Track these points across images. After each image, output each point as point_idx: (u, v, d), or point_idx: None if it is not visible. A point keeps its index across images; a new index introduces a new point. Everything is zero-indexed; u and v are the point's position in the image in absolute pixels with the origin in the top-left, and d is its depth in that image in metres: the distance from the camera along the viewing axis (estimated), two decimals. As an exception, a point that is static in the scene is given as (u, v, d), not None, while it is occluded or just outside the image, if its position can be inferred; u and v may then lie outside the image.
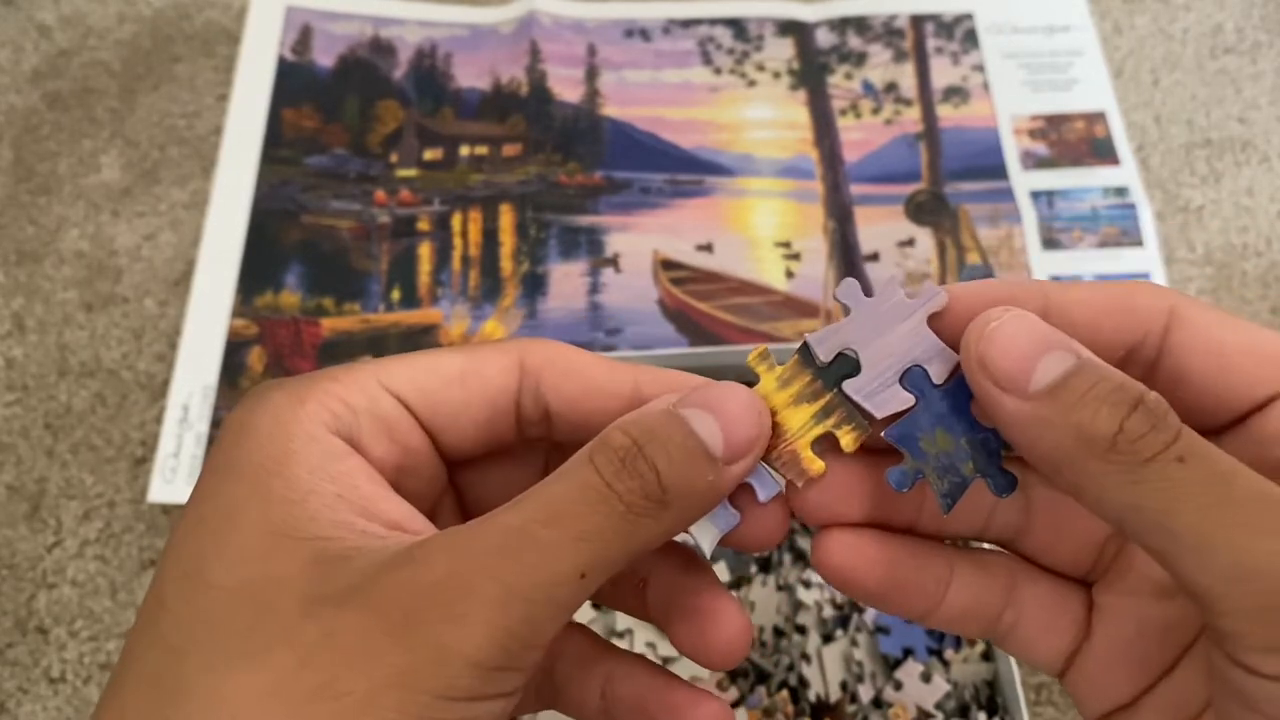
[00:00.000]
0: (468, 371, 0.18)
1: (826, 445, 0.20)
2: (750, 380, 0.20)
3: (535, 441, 0.19)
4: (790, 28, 0.60)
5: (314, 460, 0.16)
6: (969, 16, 0.60)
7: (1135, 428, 0.14)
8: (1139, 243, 0.53)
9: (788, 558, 0.40)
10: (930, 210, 0.54)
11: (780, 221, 0.54)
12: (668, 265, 0.53)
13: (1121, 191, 0.54)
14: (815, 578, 0.39)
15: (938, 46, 0.59)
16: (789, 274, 0.52)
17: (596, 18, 0.60)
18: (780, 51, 0.59)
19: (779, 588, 0.39)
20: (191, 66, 0.58)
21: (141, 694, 0.16)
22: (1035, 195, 0.54)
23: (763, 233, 0.54)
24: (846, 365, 0.20)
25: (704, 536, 0.19)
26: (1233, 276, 0.52)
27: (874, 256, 0.53)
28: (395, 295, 0.52)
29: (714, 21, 0.60)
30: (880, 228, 0.54)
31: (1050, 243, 0.53)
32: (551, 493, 0.16)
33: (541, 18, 0.60)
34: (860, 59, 0.59)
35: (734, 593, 0.39)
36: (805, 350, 0.20)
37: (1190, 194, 0.55)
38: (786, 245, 0.53)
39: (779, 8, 0.60)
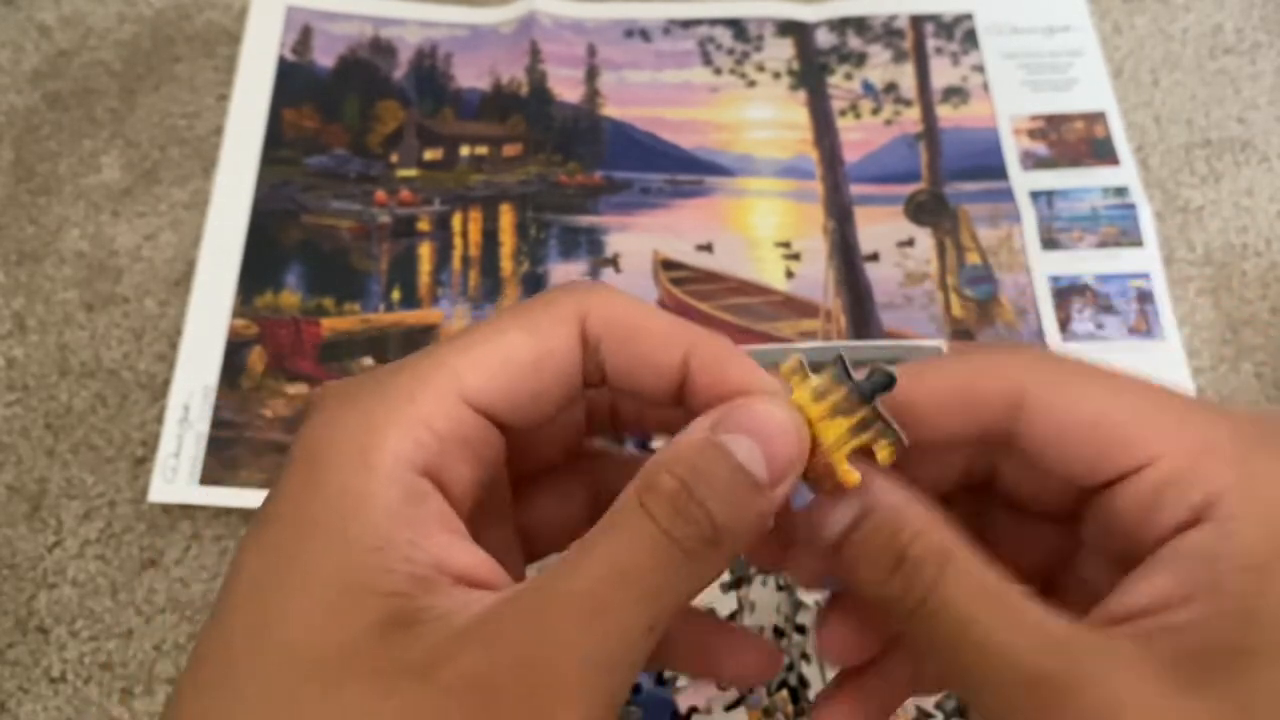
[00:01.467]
0: (540, 356, 0.17)
1: (860, 459, 0.19)
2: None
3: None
4: (790, 28, 0.60)
5: (394, 505, 0.15)
6: (969, 17, 0.60)
7: (892, 590, 0.16)
8: (1139, 243, 0.53)
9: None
10: (930, 210, 0.55)
11: (780, 221, 0.54)
12: (668, 265, 0.53)
13: (1121, 191, 0.54)
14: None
15: (937, 47, 0.59)
16: (789, 274, 0.52)
17: (596, 18, 0.60)
18: (780, 52, 0.59)
19: (779, 587, 0.39)
20: (192, 67, 0.59)
21: None
22: (1035, 195, 0.54)
23: (762, 233, 0.54)
24: (882, 379, 0.19)
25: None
26: (1232, 276, 0.53)
27: (874, 256, 0.53)
28: (395, 295, 0.52)
29: (714, 22, 0.60)
30: (880, 228, 0.54)
31: (1050, 243, 0.53)
32: (614, 550, 0.15)
33: (541, 18, 0.60)
34: (860, 59, 0.59)
35: (734, 592, 0.39)
36: (841, 363, 0.20)
37: (1190, 194, 0.55)
38: (786, 245, 0.53)
39: (779, 8, 0.61)
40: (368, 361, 0.50)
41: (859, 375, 0.19)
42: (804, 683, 0.37)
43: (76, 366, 0.50)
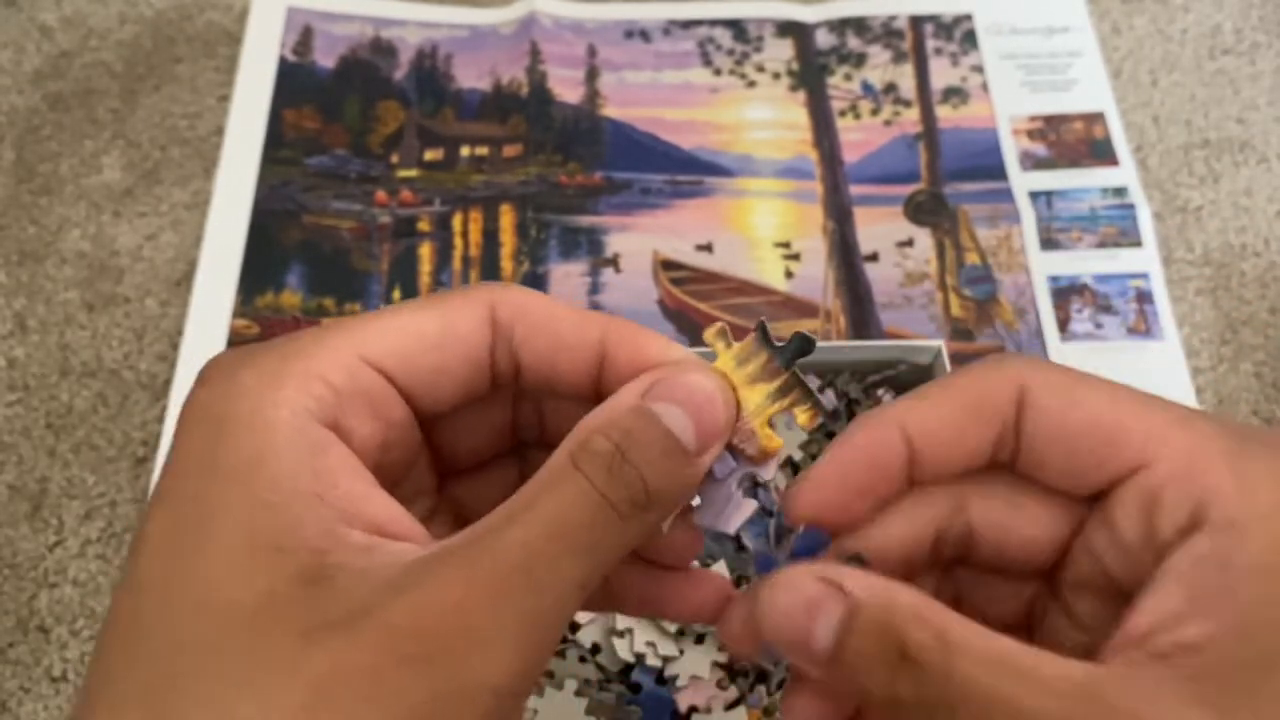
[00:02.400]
0: (444, 332, 0.17)
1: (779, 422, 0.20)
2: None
3: (502, 389, 0.19)
4: (789, 29, 0.60)
5: (297, 456, 0.15)
6: (968, 17, 0.60)
7: (904, 691, 0.15)
8: (1138, 243, 0.53)
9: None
10: (929, 211, 0.55)
11: (780, 222, 0.54)
12: (668, 265, 0.53)
13: (1120, 192, 0.55)
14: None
15: (937, 47, 0.59)
16: (788, 274, 0.53)
17: (597, 19, 0.60)
18: (780, 52, 0.59)
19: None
20: (193, 67, 0.59)
21: (116, 714, 0.14)
22: (1034, 195, 0.55)
23: (762, 233, 0.54)
24: (800, 344, 0.20)
25: (726, 523, 0.20)
26: (1231, 276, 0.53)
27: (873, 257, 0.53)
28: (396, 295, 0.52)
29: (714, 22, 0.60)
30: (879, 228, 0.54)
31: (1049, 243, 0.53)
32: (549, 507, 0.15)
33: (542, 19, 0.60)
34: (859, 60, 0.59)
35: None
36: (762, 330, 0.21)
37: (1189, 194, 0.55)
38: (786, 245, 0.54)
39: (778, 9, 0.61)
40: (368, 361, 0.50)
41: (780, 343, 0.20)
42: (804, 682, 0.38)
43: (78, 366, 0.50)
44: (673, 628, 0.38)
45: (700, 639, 0.38)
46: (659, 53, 0.60)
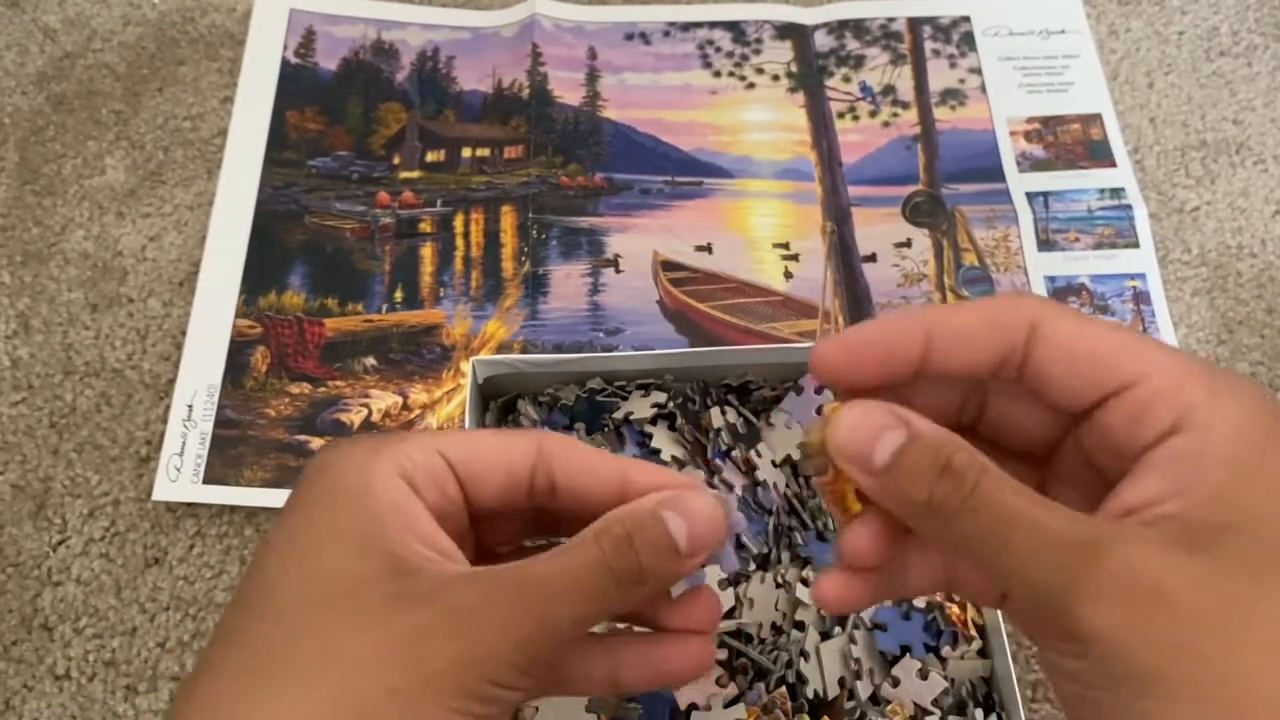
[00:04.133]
0: (497, 447, 0.24)
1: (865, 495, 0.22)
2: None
3: (537, 508, 0.25)
4: (788, 31, 0.61)
5: (389, 496, 0.22)
6: (966, 19, 0.61)
7: (940, 493, 0.19)
8: (1135, 244, 0.53)
9: (786, 556, 0.40)
10: (927, 212, 0.55)
11: (779, 223, 0.55)
12: (668, 266, 0.53)
13: (1117, 193, 0.55)
14: (814, 575, 0.39)
15: (935, 49, 0.60)
16: (787, 275, 0.53)
17: (597, 21, 0.61)
18: (779, 54, 0.60)
19: (777, 585, 0.39)
20: (195, 69, 0.59)
21: (252, 650, 0.20)
22: (1031, 196, 0.55)
23: (761, 234, 0.54)
24: None
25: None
26: (1228, 277, 0.53)
27: (871, 257, 0.53)
28: (398, 296, 0.52)
29: (713, 25, 0.61)
30: (878, 229, 0.54)
31: (1046, 244, 0.54)
32: (570, 559, 0.22)
33: (542, 21, 0.60)
34: (858, 62, 0.59)
35: (732, 589, 0.39)
36: None
37: (1185, 195, 0.55)
38: (785, 246, 0.54)
39: (777, 11, 0.61)
40: (370, 361, 0.50)
41: None
42: (802, 679, 0.38)
43: (81, 366, 0.50)
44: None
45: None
46: (659, 55, 0.60)
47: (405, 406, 0.49)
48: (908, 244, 0.54)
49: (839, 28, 0.60)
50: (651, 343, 0.50)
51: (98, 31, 0.60)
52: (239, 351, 0.50)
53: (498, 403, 0.43)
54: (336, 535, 0.21)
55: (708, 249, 0.54)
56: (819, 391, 0.42)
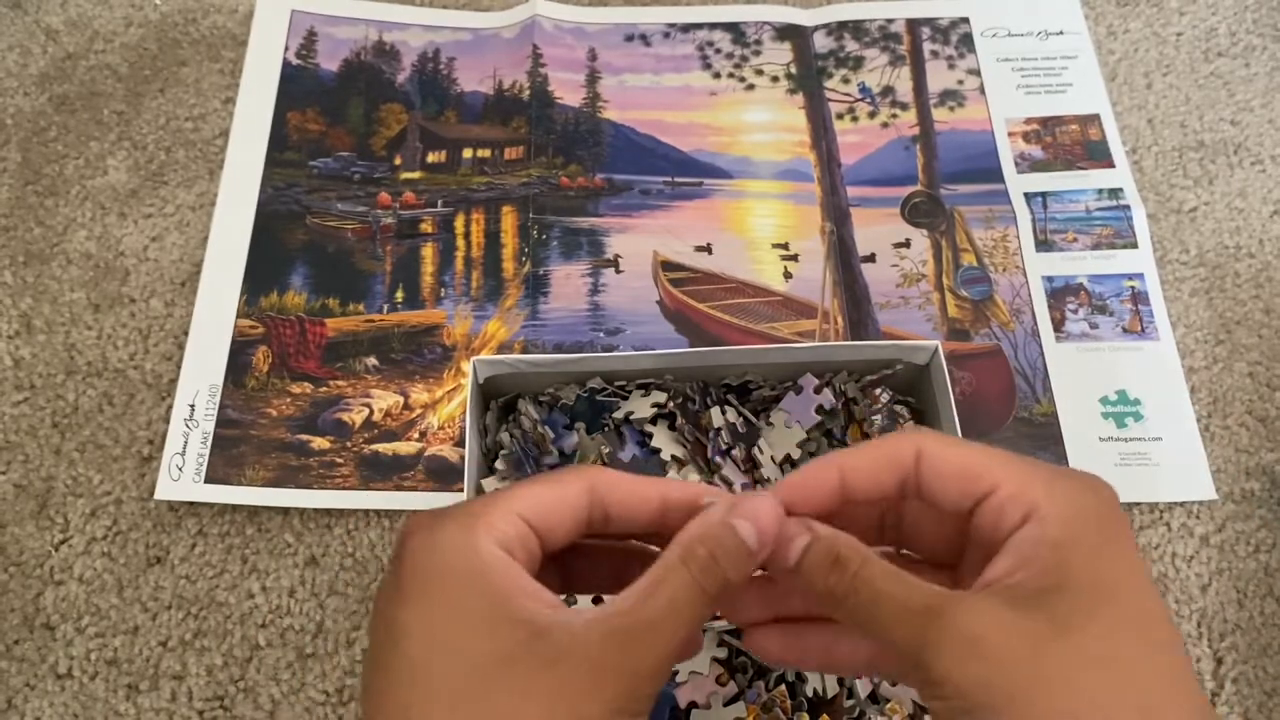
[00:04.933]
0: (561, 497, 0.27)
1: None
2: None
3: (590, 534, 0.29)
4: (788, 32, 0.61)
5: (499, 569, 0.25)
6: (965, 21, 0.61)
7: (831, 581, 0.25)
8: (1133, 244, 0.54)
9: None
10: (926, 212, 0.55)
11: (778, 223, 0.55)
12: (668, 266, 0.53)
13: (1115, 193, 0.55)
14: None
15: (934, 50, 0.60)
16: (787, 275, 0.53)
17: (597, 22, 0.61)
18: (778, 56, 0.60)
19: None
20: (197, 70, 0.59)
21: None
22: (1030, 197, 0.55)
23: (761, 234, 0.55)
24: None
25: None
26: (1225, 277, 0.53)
27: (870, 258, 0.54)
28: (399, 296, 0.52)
29: (713, 26, 0.61)
30: (877, 229, 0.54)
31: (1044, 244, 0.54)
32: (670, 593, 0.25)
33: (543, 22, 0.60)
34: (857, 63, 0.60)
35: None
36: None
37: (1183, 196, 0.55)
38: (784, 247, 0.54)
39: (777, 12, 0.61)
40: (371, 361, 0.51)
41: None
42: (802, 678, 0.38)
43: (83, 366, 0.50)
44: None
45: (700, 635, 0.39)
46: (659, 56, 0.60)
47: (406, 406, 0.49)
48: (907, 244, 0.54)
49: (838, 29, 0.61)
50: (651, 343, 0.51)
51: (100, 32, 0.60)
52: (241, 351, 0.50)
53: (498, 402, 0.43)
54: (470, 611, 0.24)
55: (707, 249, 0.54)
56: (818, 391, 0.42)
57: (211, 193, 0.55)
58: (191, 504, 0.47)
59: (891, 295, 0.52)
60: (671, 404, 0.42)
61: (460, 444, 0.48)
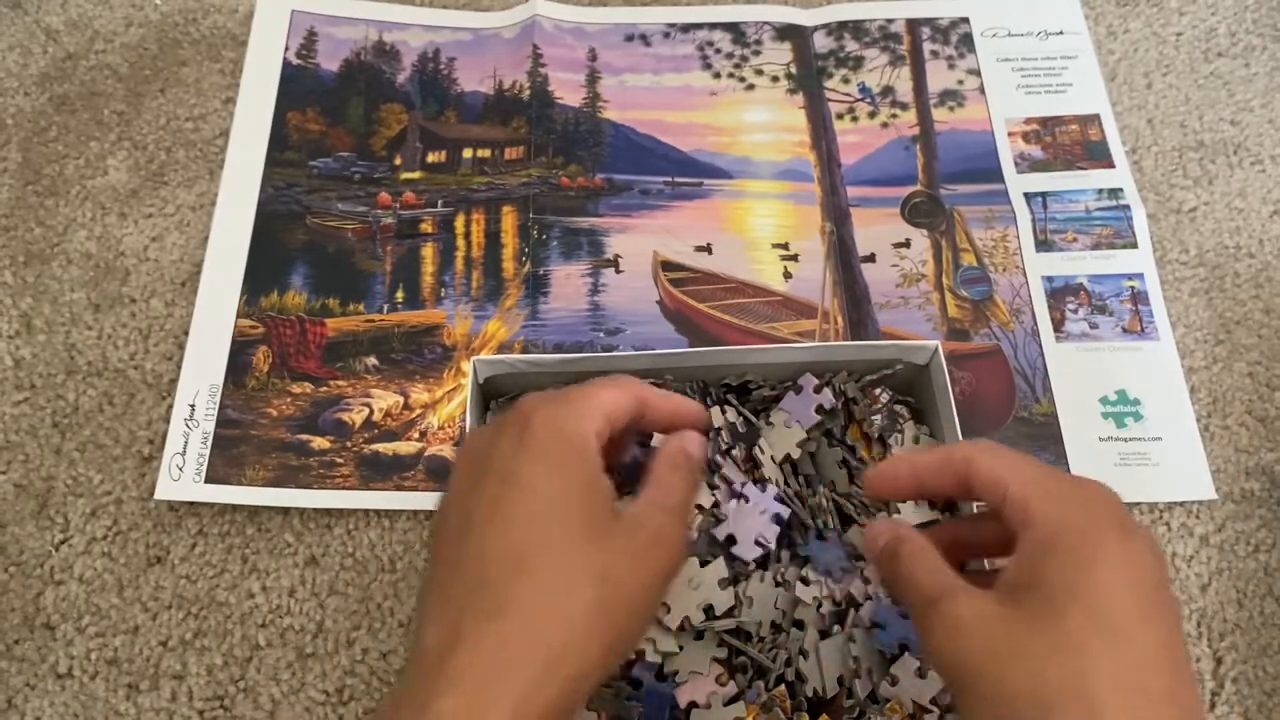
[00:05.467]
0: (623, 403, 0.33)
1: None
2: None
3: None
4: (788, 32, 0.61)
5: (594, 447, 0.31)
6: (965, 21, 0.61)
7: (884, 558, 0.32)
8: (1133, 244, 0.54)
9: (786, 555, 0.41)
10: (926, 212, 0.55)
11: (778, 223, 0.55)
12: (668, 266, 0.53)
13: (1115, 193, 0.55)
14: (813, 574, 0.40)
15: (934, 50, 0.60)
16: (787, 275, 0.53)
17: (597, 22, 0.61)
18: (778, 56, 0.60)
19: (776, 584, 0.40)
20: (197, 70, 0.59)
21: (494, 563, 0.28)
22: (1030, 197, 0.55)
23: (761, 234, 0.55)
24: None
25: None
26: (1225, 277, 0.53)
27: (870, 258, 0.54)
28: (399, 296, 0.53)
29: (713, 26, 0.61)
30: (877, 229, 0.54)
31: (1044, 244, 0.54)
32: (678, 495, 0.33)
33: (543, 22, 0.60)
34: (857, 63, 0.60)
35: (732, 588, 0.39)
36: None
37: (1183, 196, 0.55)
38: (784, 247, 0.54)
39: (777, 12, 0.61)
40: (371, 361, 0.51)
41: None
42: (801, 678, 0.38)
43: (84, 366, 0.50)
44: (673, 625, 0.38)
45: (700, 635, 0.39)
46: (659, 56, 0.60)
47: (406, 406, 0.49)
48: (906, 244, 0.54)
49: (838, 29, 0.61)
50: (651, 343, 0.51)
51: (100, 33, 0.60)
52: (241, 351, 0.50)
53: (498, 402, 0.43)
54: (573, 478, 0.30)
55: (707, 249, 0.54)
56: (818, 391, 0.42)
57: (212, 193, 0.55)
58: (192, 504, 0.47)
59: (891, 295, 0.52)
60: (671, 404, 0.42)
61: (460, 444, 0.48)
